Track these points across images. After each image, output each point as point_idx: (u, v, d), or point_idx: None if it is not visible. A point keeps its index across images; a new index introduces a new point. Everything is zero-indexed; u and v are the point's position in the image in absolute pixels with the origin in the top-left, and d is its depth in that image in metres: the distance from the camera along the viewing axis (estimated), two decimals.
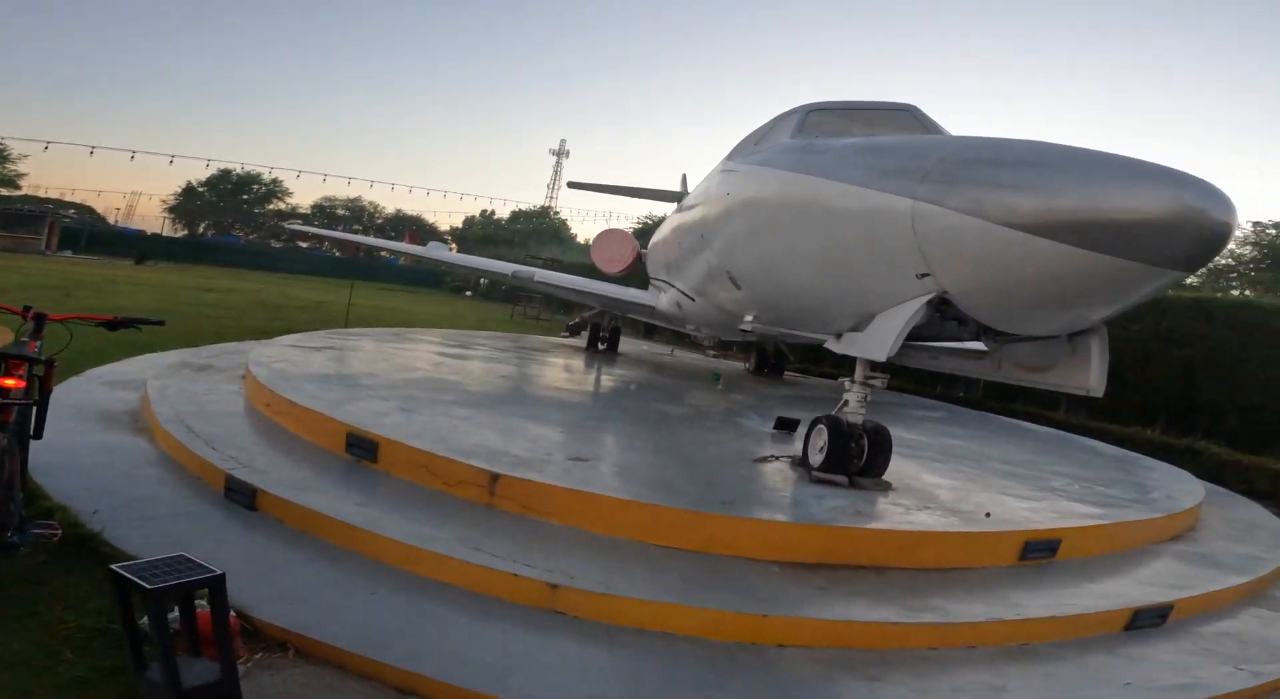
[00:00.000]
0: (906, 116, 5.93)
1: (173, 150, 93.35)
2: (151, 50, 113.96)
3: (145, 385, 6.97)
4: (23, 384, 3.27)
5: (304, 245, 61.44)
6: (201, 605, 2.85)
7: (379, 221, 69.18)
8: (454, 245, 58.04)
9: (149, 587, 2.61)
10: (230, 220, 67.83)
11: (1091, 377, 4.70)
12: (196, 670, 2.74)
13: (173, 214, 66.03)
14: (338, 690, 3.02)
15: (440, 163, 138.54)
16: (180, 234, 64.65)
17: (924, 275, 4.37)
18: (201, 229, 67.29)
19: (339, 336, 11.13)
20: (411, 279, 48.62)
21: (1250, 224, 30.94)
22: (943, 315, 4.56)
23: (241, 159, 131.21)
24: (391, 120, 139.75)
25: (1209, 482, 8.11)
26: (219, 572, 2.77)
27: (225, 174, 62.65)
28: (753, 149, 6.90)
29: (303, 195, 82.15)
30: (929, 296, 4.43)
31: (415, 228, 59.48)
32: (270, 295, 23.84)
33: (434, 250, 16.81)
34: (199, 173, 65.93)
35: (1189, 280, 3.94)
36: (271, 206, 67.79)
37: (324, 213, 67.21)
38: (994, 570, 4.63)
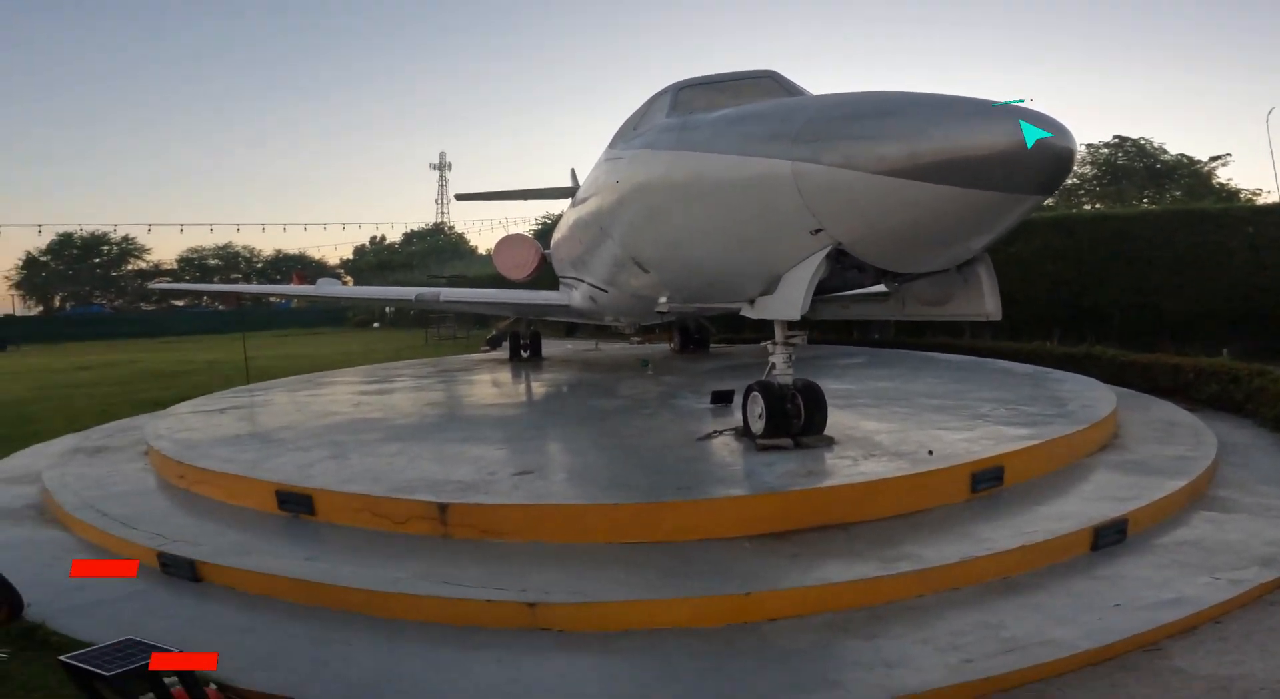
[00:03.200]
0: (769, 82, 6.11)
1: None
2: None
3: (40, 477, 6.74)
4: None
5: (180, 304, 57.17)
6: (172, 681, 2.78)
7: (259, 266, 65.52)
8: (348, 278, 55.66)
9: (107, 674, 2.60)
10: (88, 288, 62.55)
11: (987, 302, 4.94)
12: None
13: (20, 290, 60.38)
14: None
15: (314, 195, 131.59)
16: (35, 311, 59.42)
17: (817, 231, 4.51)
18: (58, 302, 61.84)
19: (243, 394, 10.59)
20: (310, 320, 46.47)
21: (1084, 147, 33.54)
22: (843, 266, 4.70)
23: (78, 220, 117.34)
24: (248, 157, 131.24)
25: (1115, 385, 8.16)
26: (173, 650, 2.76)
27: (67, 238, 57.28)
28: (633, 133, 6.94)
29: (163, 251, 76.50)
30: (826, 250, 4.57)
31: (301, 267, 56.53)
32: (155, 363, 22.15)
33: (326, 287, 16.00)
34: (33, 240, 60.45)
35: (1046, 202, 4.20)
36: (130, 267, 62.94)
37: (193, 266, 62.76)
38: (951, 508, 4.72)
